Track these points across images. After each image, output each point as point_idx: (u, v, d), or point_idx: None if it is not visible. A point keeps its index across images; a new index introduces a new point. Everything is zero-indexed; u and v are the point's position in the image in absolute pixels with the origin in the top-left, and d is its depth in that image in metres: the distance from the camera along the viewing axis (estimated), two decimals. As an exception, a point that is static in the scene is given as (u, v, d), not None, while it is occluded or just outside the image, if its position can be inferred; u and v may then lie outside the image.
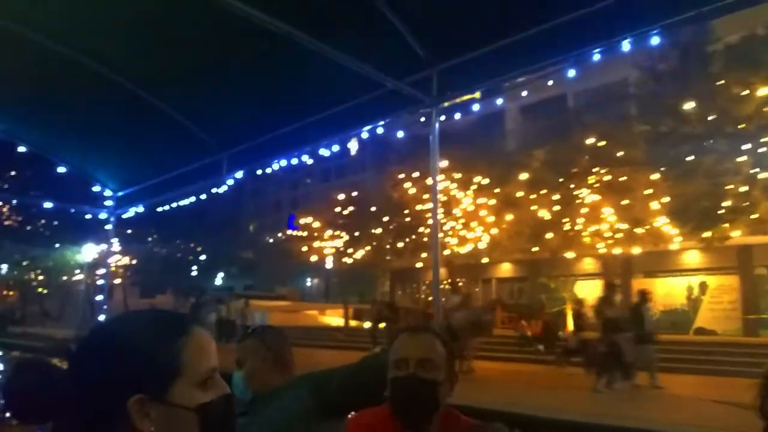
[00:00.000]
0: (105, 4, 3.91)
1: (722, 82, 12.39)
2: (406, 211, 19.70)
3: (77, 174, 5.65)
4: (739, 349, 12.75)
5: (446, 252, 19.87)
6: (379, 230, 20.87)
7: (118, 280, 33.07)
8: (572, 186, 15.75)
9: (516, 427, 1.51)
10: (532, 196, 16.60)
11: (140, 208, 5.97)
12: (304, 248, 25.73)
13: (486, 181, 17.99)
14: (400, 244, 20.87)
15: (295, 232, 26.34)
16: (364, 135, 4.51)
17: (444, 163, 18.70)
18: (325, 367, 1.91)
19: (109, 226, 6.00)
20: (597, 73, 16.77)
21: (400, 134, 4.85)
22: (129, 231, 30.00)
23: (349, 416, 1.78)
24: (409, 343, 1.58)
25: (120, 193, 6.05)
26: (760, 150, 12.45)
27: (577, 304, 13.52)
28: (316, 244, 24.91)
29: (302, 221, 25.73)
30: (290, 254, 26.91)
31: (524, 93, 12.53)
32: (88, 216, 6.03)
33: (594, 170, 15.38)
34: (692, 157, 12.97)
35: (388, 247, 21.47)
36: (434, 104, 3.95)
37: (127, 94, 4.60)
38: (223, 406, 0.86)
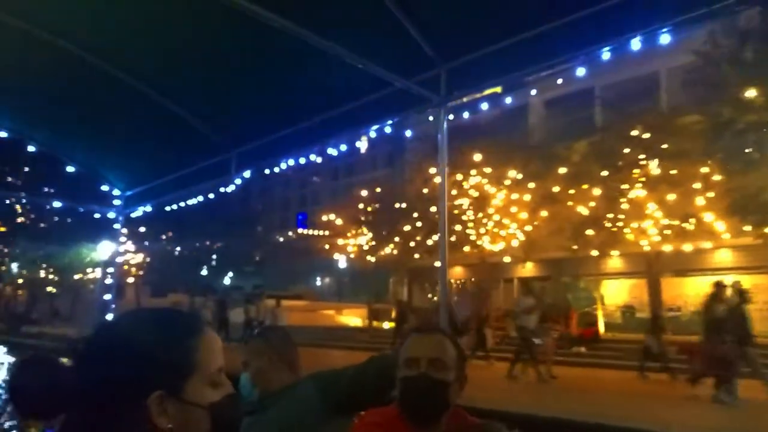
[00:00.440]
0: (114, 4, 4.07)
1: None
2: (434, 209, 19.35)
3: (86, 173, 5.86)
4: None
5: (477, 251, 19.64)
6: (407, 227, 20.37)
7: (130, 279, 33.69)
8: (617, 180, 15.21)
9: (516, 426, 1.63)
10: (571, 191, 16.14)
11: (148, 208, 6.14)
12: (326, 246, 25.54)
13: (520, 176, 17.54)
14: (430, 242, 20.17)
15: (311, 231, 26.57)
16: (372, 134, 4.66)
17: (477, 157, 18.29)
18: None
19: (117, 226, 6.22)
20: (626, 66, 16.68)
21: (408, 133, 4.97)
22: (142, 229, 30.53)
23: (357, 415, 1.83)
24: (420, 343, 1.62)
25: (129, 193, 6.18)
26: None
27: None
28: (340, 241, 24.60)
29: (324, 218, 25.41)
30: (302, 253, 27.17)
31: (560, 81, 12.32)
32: (97, 215, 6.25)
33: (642, 163, 14.88)
34: (750, 150, 12.36)
35: (412, 245, 21.03)
36: (442, 103, 4.02)
37: (136, 93, 4.73)
38: (230, 405, 0.91)
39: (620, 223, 15.89)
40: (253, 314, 19.67)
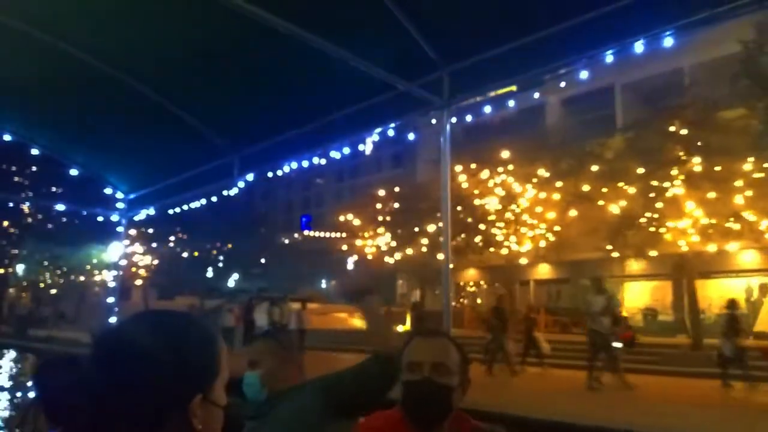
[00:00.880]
0: (117, 7, 4.20)
1: None
2: (459, 208, 18.66)
3: (89, 176, 6.03)
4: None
5: (504, 252, 19.34)
6: (432, 227, 19.76)
7: (138, 282, 34.06)
8: (659, 177, 14.78)
9: (516, 429, 1.71)
10: (604, 190, 15.82)
11: (152, 211, 6.29)
12: (344, 247, 25.44)
13: (548, 174, 17.16)
14: (448, 242, 20.03)
15: (317, 233, 26.66)
16: (375, 137, 4.78)
17: (504, 154, 18.04)
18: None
19: (120, 229, 6.38)
20: (649, 62, 16.54)
21: (411, 136, 5.08)
22: (150, 231, 30.89)
23: (361, 419, 1.86)
24: (424, 347, 1.65)
25: (132, 196, 6.31)
26: None
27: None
28: (357, 242, 24.36)
29: (341, 219, 25.19)
30: (308, 255, 27.27)
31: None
32: (100, 218, 6.42)
33: (683, 159, 14.47)
34: None
35: (424, 243, 20.53)
36: (445, 106, 4.10)
37: (139, 96, 4.84)
38: (234, 407, 0.99)
39: (659, 223, 15.49)
40: (277, 317, 19.33)
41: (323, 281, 42.88)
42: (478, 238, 19.61)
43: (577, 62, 3.59)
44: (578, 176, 16.37)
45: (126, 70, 4.68)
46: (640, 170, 15.01)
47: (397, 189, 23.40)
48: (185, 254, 35.76)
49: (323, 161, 5.30)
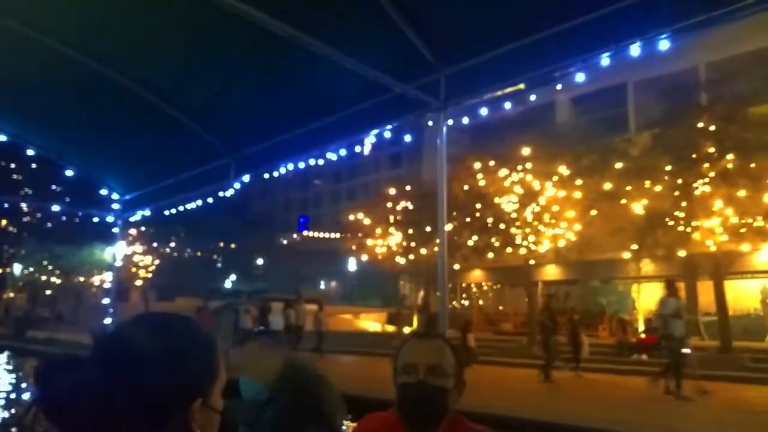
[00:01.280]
0: (113, 8, 4.28)
1: None
2: (478, 206, 18.62)
3: (85, 177, 6.14)
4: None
5: (522, 252, 19.05)
6: (450, 226, 18.96)
7: (138, 282, 34.20)
8: (692, 175, 14.63)
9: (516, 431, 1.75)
10: (628, 188, 15.58)
11: (147, 212, 6.40)
12: (353, 247, 25.19)
13: (568, 171, 16.94)
14: (470, 242, 19.48)
15: (316, 234, 26.70)
16: (372, 138, 4.85)
17: (526, 151, 17.74)
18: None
19: (116, 230, 6.49)
20: (660, 61, 16.46)
21: (408, 138, 5.14)
22: (149, 231, 31.06)
23: (358, 421, 1.85)
24: (419, 349, 1.67)
25: (127, 197, 6.38)
26: None
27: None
28: (369, 242, 24.11)
29: (351, 218, 25.04)
30: (307, 256, 27.35)
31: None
32: (96, 219, 6.53)
33: (714, 156, 14.29)
34: None
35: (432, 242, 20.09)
36: (442, 108, 4.16)
37: (135, 97, 4.87)
38: (229, 411, 0.98)
39: (693, 222, 15.30)
40: (293, 319, 18.92)
41: (321, 282, 43.07)
42: (493, 239, 19.34)
43: (573, 65, 3.65)
44: (603, 173, 16.05)
45: (122, 71, 4.75)
46: (668, 167, 14.78)
47: (408, 188, 23.09)
48: (186, 255, 35.97)
49: (321, 161, 5.38)
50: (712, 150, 14.42)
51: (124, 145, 5.75)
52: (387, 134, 4.58)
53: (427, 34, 3.95)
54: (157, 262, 34.54)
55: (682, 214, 15.35)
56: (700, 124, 14.46)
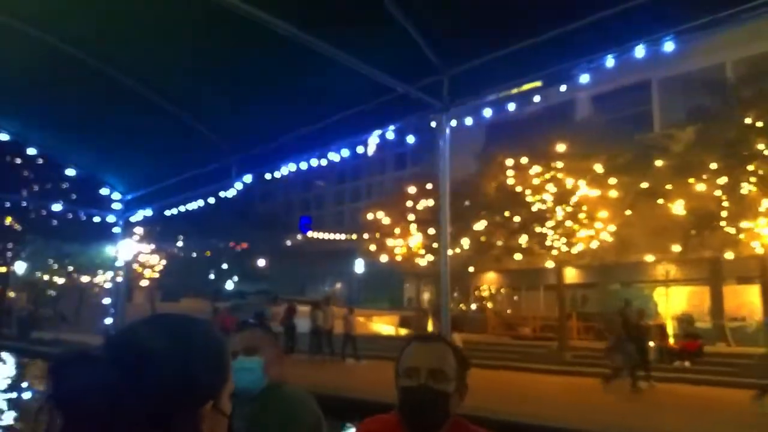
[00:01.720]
0: (115, 7, 4.36)
1: None
2: (512, 204, 18.06)
3: (86, 176, 6.24)
4: None
5: (554, 253, 18.52)
6: (480, 225, 18.89)
7: (143, 282, 34.37)
8: (742, 173, 14.22)
9: None
10: (668, 186, 15.22)
11: (149, 212, 6.48)
12: (372, 247, 24.63)
13: (602, 169, 16.45)
14: (499, 242, 18.93)
15: (320, 235, 26.64)
16: (376, 139, 4.90)
17: (561, 147, 17.22)
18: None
19: (117, 230, 6.60)
20: (685, 59, 16.18)
21: (410, 139, 5.20)
22: (151, 231, 31.23)
23: (360, 423, 1.89)
24: (421, 352, 1.70)
25: (129, 196, 6.44)
26: None
27: None
28: (389, 242, 23.67)
29: (369, 216, 24.60)
30: (312, 257, 27.32)
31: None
32: (97, 219, 6.63)
33: (765, 153, 13.89)
34: None
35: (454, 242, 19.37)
36: (445, 109, 4.21)
37: (137, 96, 4.92)
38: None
39: (735, 222, 14.88)
40: (320, 321, 18.28)
41: (326, 284, 43.14)
42: (522, 240, 18.73)
43: (577, 66, 3.69)
44: (643, 171, 15.58)
45: (124, 70, 4.82)
46: (713, 165, 14.34)
47: (429, 186, 22.03)
48: (193, 255, 36.11)
49: (324, 162, 5.44)
50: (761, 147, 13.99)
51: (125, 144, 5.84)
52: (390, 135, 4.64)
53: (431, 35, 3.99)
54: (163, 262, 34.73)
55: (725, 214, 14.87)
56: (748, 120, 14.03)
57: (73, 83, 5.05)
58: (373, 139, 4.82)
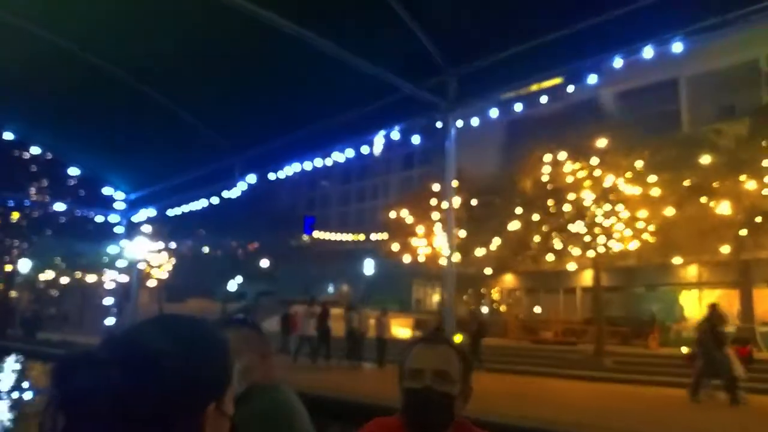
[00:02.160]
0: (119, 7, 4.43)
1: None
2: (551, 202, 17.36)
3: (90, 176, 6.33)
4: None
5: (590, 253, 17.80)
6: (515, 225, 18.30)
7: (151, 282, 34.49)
8: None
9: None
10: (715, 184, 14.66)
11: (152, 211, 6.58)
12: (395, 247, 23.64)
13: (641, 164, 15.75)
14: (536, 237, 18.21)
15: (326, 235, 26.39)
16: (381, 139, 4.94)
17: (602, 142, 16.42)
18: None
19: (120, 229, 6.69)
20: (713, 56, 15.83)
21: (416, 139, 5.23)
22: (167, 229, 31.33)
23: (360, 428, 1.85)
24: (426, 354, 1.71)
25: (132, 196, 6.54)
26: None
27: None
28: (413, 242, 22.77)
29: (391, 215, 23.83)
30: (318, 257, 27.09)
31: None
32: (100, 218, 6.71)
33: None
34: None
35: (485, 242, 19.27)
36: (451, 109, 4.25)
37: (141, 96, 4.95)
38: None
39: None
40: (355, 324, 17.51)
41: (330, 285, 43.08)
42: (555, 241, 18.09)
43: (583, 67, 3.71)
44: (692, 167, 14.96)
45: (128, 70, 4.88)
46: (766, 162, 13.75)
47: (455, 183, 21.65)
48: (203, 254, 36.11)
49: (328, 162, 5.48)
50: None
51: (128, 144, 5.90)
52: (395, 135, 4.68)
53: (437, 36, 4.03)
54: (173, 261, 34.88)
55: None
56: None
57: (77, 84, 5.11)
58: (379, 139, 4.86)
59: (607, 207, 16.48)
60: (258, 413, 1.93)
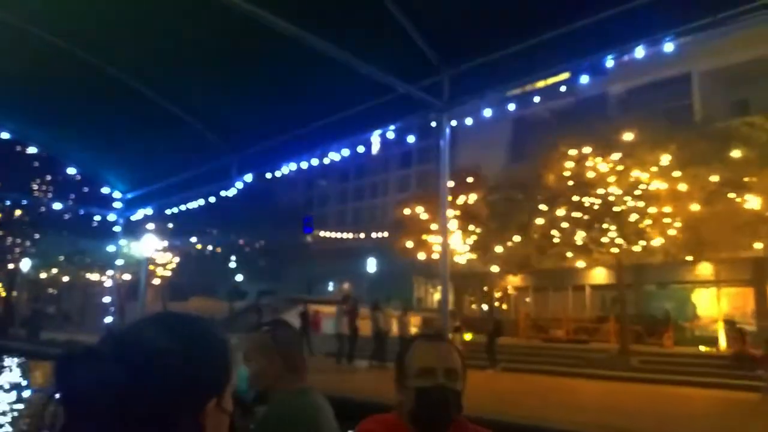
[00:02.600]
0: (117, 7, 4.50)
1: None
2: (577, 198, 16.96)
3: (87, 175, 6.44)
4: None
5: (614, 250, 17.50)
6: (540, 220, 18.00)
7: (156, 281, 34.64)
8: None
9: None
10: (746, 179, 14.39)
11: (149, 210, 6.69)
12: (409, 244, 23.34)
13: (668, 158, 15.43)
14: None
15: (327, 233, 26.35)
16: (377, 138, 5.02)
17: (628, 137, 16.11)
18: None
19: (117, 228, 6.79)
20: (724, 51, 15.71)
21: (411, 138, 5.29)
22: (170, 225, 31.46)
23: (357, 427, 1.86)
24: (434, 353, 1.74)
25: (129, 195, 6.61)
26: None
27: None
28: (429, 238, 22.24)
29: (405, 212, 23.55)
30: (319, 256, 27.19)
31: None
32: (97, 217, 6.82)
33: None
34: None
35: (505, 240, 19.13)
36: (445, 109, 4.28)
37: (138, 95, 5.00)
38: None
39: None
40: (381, 324, 17.06)
41: (330, 284, 43.17)
42: (577, 237, 17.85)
43: (577, 66, 3.77)
44: (724, 162, 14.61)
45: (125, 69, 4.94)
46: None
47: (470, 179, 20.63)
48: (206, 253, 36.21)
49: (325, 161, 5.56)
50: None
51: (126, 143, 5.98)
52: (390, 134, 4.75)
53: (431, 36, 4.09)
54: (176, 259, 35.03)
55: None
56: None
57: (74, 83, 5.19)
58: (376, 138, 4.94)
59: (639, 203, 16.13)
60: (275, 420, 2.00)
